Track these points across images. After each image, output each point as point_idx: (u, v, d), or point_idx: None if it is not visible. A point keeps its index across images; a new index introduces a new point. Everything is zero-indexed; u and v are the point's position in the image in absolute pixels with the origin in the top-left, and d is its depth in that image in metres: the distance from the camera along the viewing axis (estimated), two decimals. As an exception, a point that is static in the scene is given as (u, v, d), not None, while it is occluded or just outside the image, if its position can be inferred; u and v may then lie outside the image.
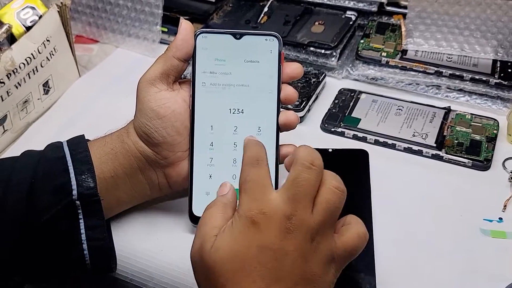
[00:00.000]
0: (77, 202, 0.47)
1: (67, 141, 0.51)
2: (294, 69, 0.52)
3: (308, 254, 0.38)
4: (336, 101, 0.67)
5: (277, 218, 0.39)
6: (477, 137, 0.61)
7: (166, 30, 0.77)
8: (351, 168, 0.59)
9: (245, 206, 0.40)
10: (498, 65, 0.67)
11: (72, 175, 0.47)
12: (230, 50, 0.51)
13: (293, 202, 0.39)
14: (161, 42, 0.77)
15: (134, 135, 0.51)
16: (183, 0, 0.81)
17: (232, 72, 0.51)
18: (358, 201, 0.55)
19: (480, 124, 0.63)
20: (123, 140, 0.51)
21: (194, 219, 0.51)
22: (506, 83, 0.65)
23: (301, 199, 0.39)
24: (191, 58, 0.51)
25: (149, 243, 0.52)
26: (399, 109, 0.66)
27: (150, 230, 0.53)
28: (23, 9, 0.65)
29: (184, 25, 0.50)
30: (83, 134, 0.52)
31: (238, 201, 0.42)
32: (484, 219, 0.54)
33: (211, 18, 0.77)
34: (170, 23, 0.77)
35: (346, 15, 0.75)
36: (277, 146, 0.51)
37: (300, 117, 0.65)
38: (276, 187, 0.48)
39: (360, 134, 0.63)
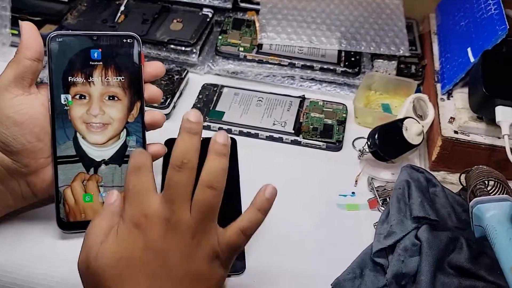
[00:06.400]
0: None
1: None
2: (155, 68, 0.52)
3: (190, 252, 0.40)
4: (200, 96, 0.70)
5: (157, 220, 0.40)
6: (329, 122, 0.68)
7: (16, 32, 0.73)
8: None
9: (128, 212, 0.41)
10: (343, 55, 0.74)
11: None
12: (88, 52, 0.50)
13: (170, 203, 0.40)
14: (12, 45, 0.73)
15: (-10, 145, 0.48)
16: (33, 1, 0.77)
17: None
18: (229, 188, 0.58)
19: (331, 109, 0.69)
20: (-22, 152, 0.48)
21: (63, 225, 0.50)
22: (350, 70, 0.72)
23: (176, 200, 0.40)
24: (44, 58, 0.49)
25: (16, 254, 0.50)
26: (260, 100, 0.70)
27: (17, 241, 0.51)
28: None
29: (25, 24, 0.49)
30: None
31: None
32: (339, 195, 0.60)
33: (65, 19, 0.75)
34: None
35: (203, 12, 0.78)
36: (145, 146, 0.52)
37: (166, 114, 0.66)
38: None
39: (226, 127, 0.66)
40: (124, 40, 0.51)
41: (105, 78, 0.51)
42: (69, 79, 0.51)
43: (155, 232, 0.40)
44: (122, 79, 0.52)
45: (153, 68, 0.52)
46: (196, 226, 0.40)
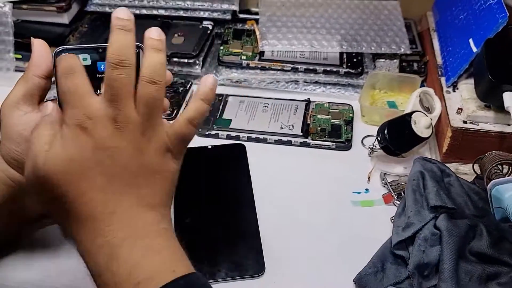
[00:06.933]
0: None
1: None
2: None
3: (142, 147, 0.40)
4: (206, 107, 0.70)
5: (103, 120, 0.39)
6: (337, 122, 0.68)
7: (20, 57, 0.74)
8: (231, 161, 0.63)
9: (70, 115, 0.40)
10: (345, 56, 0.74)
11: None
12: (94, 65, 0.51)
13: (113, 102, 0.40)
14: (16, 70, 0.74)
15: (2, 163, 0.48)
16: (36, 25, 0.78)
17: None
18: (242, 192, 0.58)
19: (338, 110, 0.69)
20: (-10, 169, 0.48)
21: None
22: (353, 71, 0.72)
23: (119, 98, 0.40)
24: (53, 75, 0.49)
25: (35, 270, 0.50)
26: (265, 106, 0.70)
27: (32, 261, 0.51)
28: None
29: (37, 42, 0.49)
30: None
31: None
32: (353, 192, 0.59)
33: (67, 40, 0.76)
34: (24, 49, 0.74)
35: (203, 25, 0.78)
36: None
37: (173, 125, 0.66)
38: None
39: (233, 134, 0.66)
40: (130, 50, 0.52)
41: (113, 89, 0.51)
42: (77, 93, 0.51)
43: (103, 132, 0.39)
44: (130, 89, 0.52)
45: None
46: (143, 121, 0.40)
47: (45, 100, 0.50)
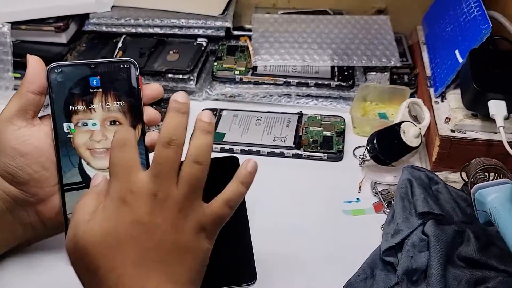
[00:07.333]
0: None
1: None
2: (154, 90, 0.54)
3: (177, 224, 0.41)
4: (200, 121, 0.71)
5: (144, 195, 0.41)
6: (328, 133, 0.69)
7: (19, 75, 0.76)
8: (224, 174, 0.63)
9: (114, 188, 0.41)
10: (336, 70, 0.76)
11: None
12: (87, 80, 0.52)
13: (157, 178, 0.41)
14: (15, 89, 0.75)
15: (-2, 178, 0.49)
16: (34, 45, 0.80)
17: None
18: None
19: (329, 122, 0.71)
20: (-15, 184, 0.49)
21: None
22: (345, 84, 0.74)
23: (164, 175, 0.41)
24: (46, 91, 0.51)
25: (30, 282, 0.51)
26: (258, 120, 0.71)
27: (29, 271, 0.52)
28: None
29: (32, 59, 0.51)
30: None
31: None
32: (344, 201, 0.60)
33: (65, 59, 0.78)
34: (23, 68, 0.74)
35: (198, 42, 0.80)
36: (147, 162, 0.53)
37: (168, 139, 0.67)
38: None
39: (227, 147, 0.67)
40: (122, 66, 0.53)
41: (106, 104, 0.53)
42: (71, 108, 0.52)
43: (142, 206, 0.40)
44: (122, 103, 0.53)
45: (151, 90, 0.54)
46: (183, 199, 0.41)
47: (38, 116, 0.52)
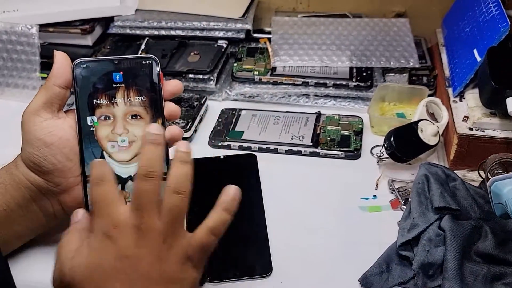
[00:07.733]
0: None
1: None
2: (174, 86, 0.55)
3: (163, 256, 0.41)
4: (220, 120, 0.73)
5: (127, 228, 0.41)
6: (346, 132, 0.69)
7: (46, 76, 0.78)
8: (243, 171, 0.65)
9: (97, 224, 0.42)
10: (354, 70, 0.76)
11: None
12: (110, 75, 0.54)
13: (138, 211, 0.42)
14: (42, 90, 0.78)
15: (23, 166, 0.51)
16: (61, 47, 0.82)
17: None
18: (252, 199, 0.60)
19: (347, 122, 0.71)
20: (12, 173, 0.51)
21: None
22: (363, 84, 0.74)
23: (144, 207, 0.42)
24: (72, 85, 0.53)
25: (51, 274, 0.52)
26: (277, 119, 0.72)
27: (51, 261, 0.53)
28: None
29: (59, 54, 0.53)
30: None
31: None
32: (361, 198, 0.61)
33: (90, 60, 0.80)
34: (49, 69, 0.76)
35: (218, 44, 0.82)
36: (168, 161, 0.54)
37: (188, 137, 0.69)
38: None
39: (245, 144, 0.68)
40: (144, 62, 0.55)
41: (128, 98, 0.54)
42: (94, 102, 0.54)
43: (126, 240, 0.41)
44: (143, 98, 0.55)
45: (172, 86, 0.55)
46: (166, 230, 0.41)
47: (64, 109, 0.53)
